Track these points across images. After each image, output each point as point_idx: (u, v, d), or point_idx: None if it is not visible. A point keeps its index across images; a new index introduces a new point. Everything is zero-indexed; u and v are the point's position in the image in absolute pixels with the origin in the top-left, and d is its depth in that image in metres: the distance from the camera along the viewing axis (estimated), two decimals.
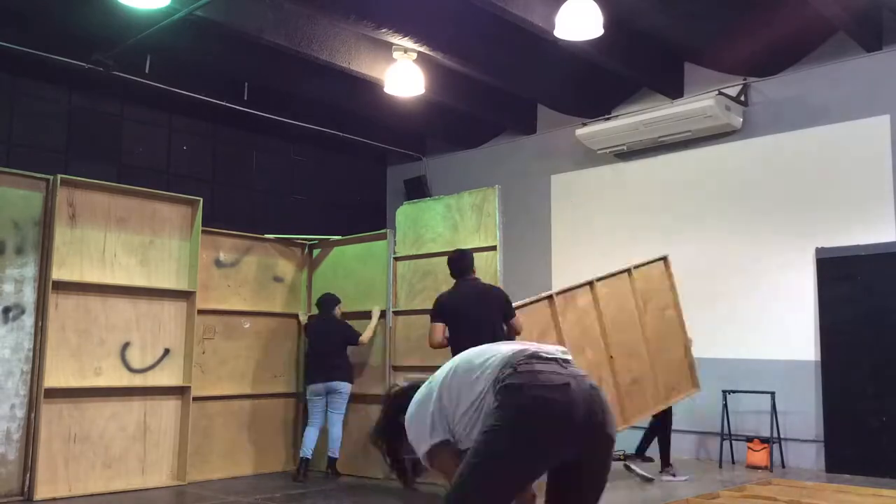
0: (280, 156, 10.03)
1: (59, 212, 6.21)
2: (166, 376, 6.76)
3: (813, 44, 7.53)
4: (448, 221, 6.91)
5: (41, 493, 5.85)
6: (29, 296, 6.06)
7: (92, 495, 6.03)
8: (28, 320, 6.03)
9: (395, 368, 7.04)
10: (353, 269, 7.63)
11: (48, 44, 7.45)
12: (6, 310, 5.94)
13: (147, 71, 7.94)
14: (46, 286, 6.07)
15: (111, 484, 6.24)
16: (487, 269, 6.52)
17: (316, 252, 8.03)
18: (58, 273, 6.15)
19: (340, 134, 9.81)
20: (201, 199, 7.06)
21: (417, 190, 10.27)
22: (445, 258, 6.62)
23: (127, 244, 6.65)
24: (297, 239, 8.02)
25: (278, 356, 7.63)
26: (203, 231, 7.06)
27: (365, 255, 7.53)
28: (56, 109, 8.12)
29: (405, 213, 7.24)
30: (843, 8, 6.66)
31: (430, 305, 6.75)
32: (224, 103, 8.77)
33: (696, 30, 7.54)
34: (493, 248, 6.50)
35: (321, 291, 7.81)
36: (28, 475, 5.84)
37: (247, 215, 9.37)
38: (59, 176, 6.25)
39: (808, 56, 7.62)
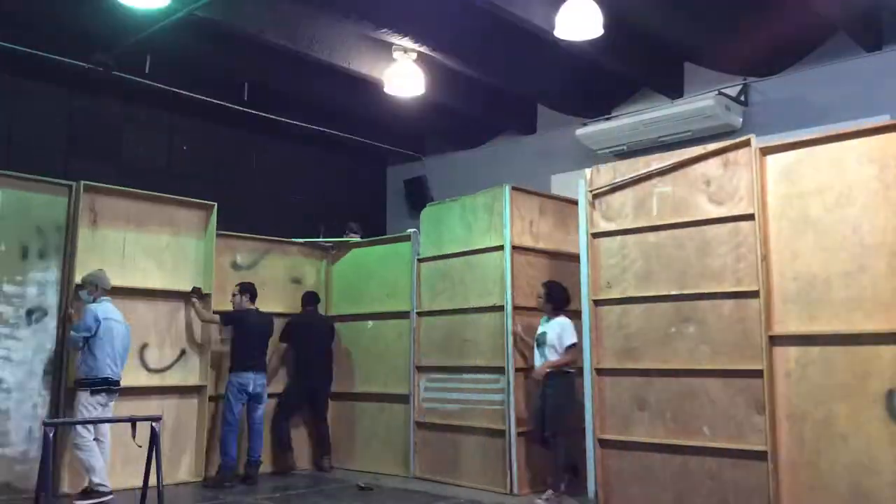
0: (280, 156, 10.03)
1: (81, 217, 6.36)
2: (183, 376, 6.87)
3: (813, 44, 7.52)
4: (463, 222, 6.94)
5: (63, 488, 6.01)
6: (51, 298, 6.25)
7: (112, 491, 6.02)
8: (50, 322, 6.22)
9: (419, 369, 7.07)
10: (375, 270, 7.68)
11: (48, 44, 7.45)
12: (29, 312, 6.14)
13: (147, 71, 7.94)
14: (69, 289, 6.22)
15: (130, 480, 6.21)
16: (497, 270, 6.52)
17: (338, 254, 8.11)
18: (80, 276, 6.25)
19: (340, 134, 9.80)
20: (216, 204, 7.16)
21: (417, 190, 10.27)
22: (460, 259, 6.78)
23: (145, 247, 6.80)
24: (322, 242, 8.11)
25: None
26: (220, 234, 7.18)
27: (388, 257, 7.57)
28: (56, 109, 8.12)
29: (429, 215, 7.28)
30: (843, 8, 6.65)
31: (450, 306, 6.85)
32: (224, 103, 8.77)
33: (696, 30, 7.53)
34: (501, 247, 6.50)
35: (342, 293, 7.87)
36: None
37: (246, 215, 9.35)
38: (82, 182, 6.40)
39: (808, 56, 7.61)
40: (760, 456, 4.92)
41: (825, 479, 4.72)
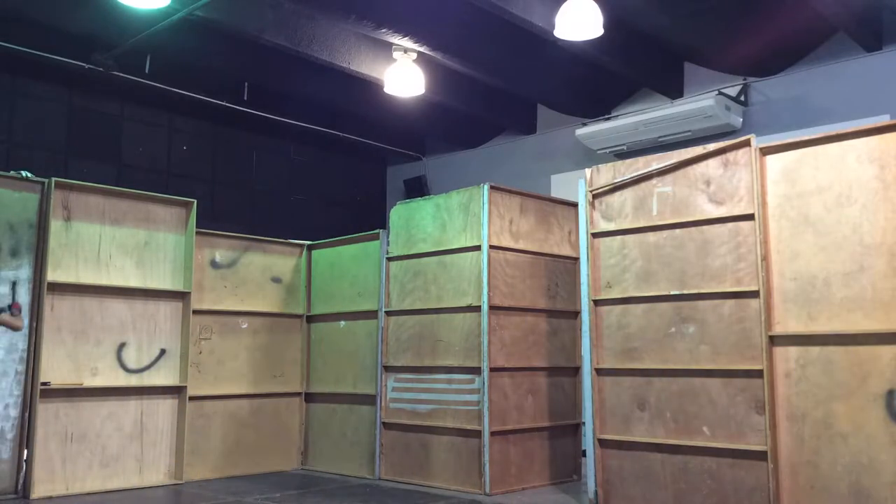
0: (280, 156, 10.04)
1: (53, 214, 6.27)
2: (163, 376, 6.80)
3: (813, 44, 7.53)
4: (437, 221, 6.91)
5: (38, 491, 5.88)
6: (24, 297, 6.13)
7: (89, 494, 6.05)
8: (23, 321, 6.11)
9: (387, 369, 7.04)
10: (349, 269, 7.65)
11: (48, 44, 7.46)
12: (0, 311, 6.02)
13: (147, 71, 7.94)
14: (42, 287, 6.14)
15: (108, 483, 6.28)
16: (473, 270, 6.51)
17: (314, 252, 8.05)
18: (53, 275, 6.20)
19: (340, 134, 9.81)
20: (195, 201, 7.08)
21: (417, 190, 10.27)
22: (433, 259, 6.72)
23: (122, 245, 6.70)
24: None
25: (277, 356, 7.64)
26: (199, 232, 7.10)
27: (361, 256, 7.54)
28: (56, 109, 8.13)
29: (399, 214, 7.26)
30: (843, 8, 6.65)
31: (421, 305, 6.81)
32: (224, 103, 8.78)
33: (696, 30, 7.53)
34: (478, 247, 6.49)
35: (320, 291, 7.84)
36: (23, 474, 5.87)
37: (247, 215, 9.38)
38: (53, 179, 6.29)
39: (808, 56, 7.62)
40: (760, 456, 4.91)
41: (825, 478, 4.72)
